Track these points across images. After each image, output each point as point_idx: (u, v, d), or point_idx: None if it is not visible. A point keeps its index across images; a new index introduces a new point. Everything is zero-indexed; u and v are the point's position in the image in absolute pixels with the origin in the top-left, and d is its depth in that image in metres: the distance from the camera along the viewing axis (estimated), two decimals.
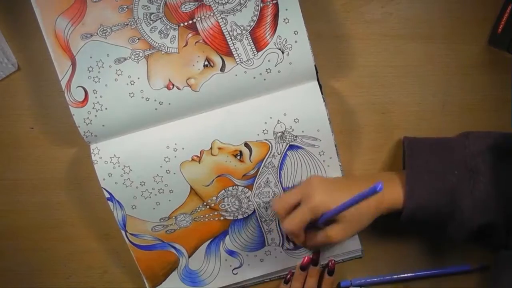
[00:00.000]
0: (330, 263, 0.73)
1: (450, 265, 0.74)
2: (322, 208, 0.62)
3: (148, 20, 0.66)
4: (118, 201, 0.70)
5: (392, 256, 0.75)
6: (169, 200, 0.71)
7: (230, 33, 0.66)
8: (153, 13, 0.66)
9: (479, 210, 0.60)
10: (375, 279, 0.75)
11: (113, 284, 0.79)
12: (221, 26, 0.66)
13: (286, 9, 0.65)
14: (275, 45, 0.66)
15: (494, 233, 0.62)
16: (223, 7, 0.65)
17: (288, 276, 0.74)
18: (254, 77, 0.66)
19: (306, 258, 0.72)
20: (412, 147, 0.66)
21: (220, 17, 0.65)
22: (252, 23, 0.65)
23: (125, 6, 0.66)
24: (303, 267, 0.72)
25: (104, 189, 0.70)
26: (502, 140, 0.62)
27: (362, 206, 0.60)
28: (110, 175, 0.69)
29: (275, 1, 0.65)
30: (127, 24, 0.66)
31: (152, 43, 0.66)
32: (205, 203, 0.71)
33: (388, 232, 0.74)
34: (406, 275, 0.75)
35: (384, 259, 0.75)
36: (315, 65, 0.66)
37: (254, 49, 0.66)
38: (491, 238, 0.63)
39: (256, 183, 0.70)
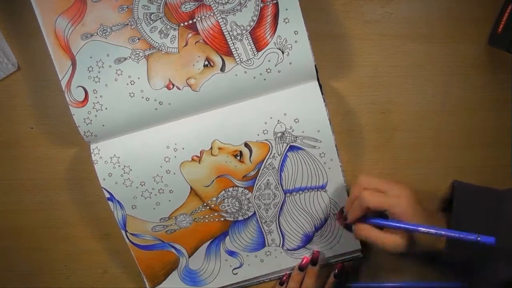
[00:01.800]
0: (337, 266, 0.73)
1: (451, 277, 0.75)
2: (401, 213, 0.61)
3: (148, 20, 0.66)
4: (118, 201, 0.70)
5: (392, 258, 0.75)
6: (169, 200, 0.71)
7: (230, 33, 0.66)
8: (153, 13, 0.66)
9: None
10: (375, 285, 0.75)
11: (113, 284, 0.79)
12: (221, 26, 0.66)
13: (286, 9, 0.65)
14: (275, 45, 0.66)
15: None
16: (223, 7, 0.65)
17: (284, 278, 0.74)
18: (254, 77, 0.66)
19: (305, 258, 0.72)
20: (462, 193, 0.65)
21: (220, 17, 0.65)
22: (252, 23, 0.65)
23: (125, 6, 0.66)
24: (301, 268, 0.72)
25: (104, 189, 0.70)
26: None
27: (431, 238, 0.61)
28: (110, 175, 0.69)
29: (275, 1, 0.65)
30: (127, 24, 0.66)
31: (152, 43, 0.66)
32: (205, 204, 0.71)
33: None
34: (406, 283, 0.75)
35: (384, 260, 0.75)
36: (315, 65, 0.66)
37: (254, 49, 0.66)
38: None
39: (257, 184, 0.70)
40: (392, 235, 0.63)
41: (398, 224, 0.61)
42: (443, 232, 0.58)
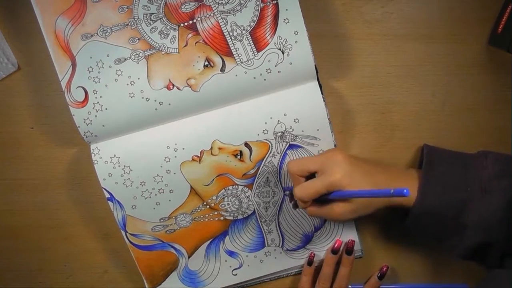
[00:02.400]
0: (384, 267, 0.74)
1: (450, 281, 0.75)
2: (339, 187, 0.61)
3: (148, 20, 0.66)
4: (118, 201, 0.70)
5: (393, 260, 0.75)
6: (169, 200, 0.71)
7: (230, 33, 0.66)
8: (153, 13, 0.66)
9: (483, 229, 0.60)
10: None
11: (113, 284, 0.79)
12: (221, 26, 0.66)
13: (286, 9, 0.65)
14: (275, 45, 0.66)
15: (490, 253, 0.62)
16: (223, 7, 0.65)
17: (311, 257, 0.73)
18: (254, 77, 0.66)
19: (338, 241, 0.72)
20: (431, 155, 0.65)
21: (220, 17, 0.65)
22: (252, 23, 0.65)
23: (125, 7, 0.66)
24: (334, 251, 0.72)
25: (104, 189, 0.70)
26: None
27: (383, 200, 0.62)
28: (110, 175, 0.69)
29: (275, 2, 0.65)
30: (127, 25, 0.66)
31: (152, 43, 0.66)
32: (205, 203, 0.71)
33: (390, 234, 0.75)
34: (405, 285, 0.75)
35: (384, 260, 0.75)
36: (315, 65, 0.66)
37: (254, 49, 0.66)
38: (485, 257, 0.62)
39: (256, 182, 0.70)
40: (337, 206, 0.63)
41: (333, 195, 0.62)
42: (366, 193, 0.59)
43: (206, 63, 0.66)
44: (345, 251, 0.72)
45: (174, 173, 0.69)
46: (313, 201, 0.65)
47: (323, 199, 0.64)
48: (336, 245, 0.72)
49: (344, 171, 0.61)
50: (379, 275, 0.73)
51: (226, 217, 0.72)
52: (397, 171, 0.66)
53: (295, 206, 0.71)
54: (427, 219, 0.62)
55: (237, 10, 0.65)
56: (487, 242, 0.60)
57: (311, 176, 0.65)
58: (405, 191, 0.51)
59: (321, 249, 0.73)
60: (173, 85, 0.67)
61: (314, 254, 0.73)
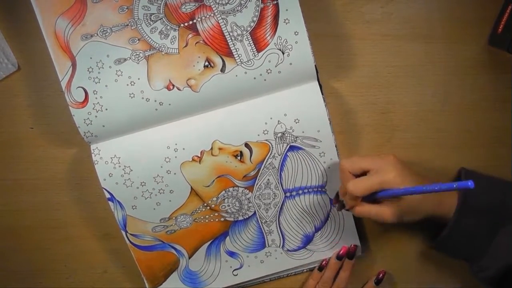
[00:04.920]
0: (380, 273, 0.74)
1: (449, 281, 0.75)
2: (392, 186, 0.61)
3: (148, 21, 0.66)
4: (118, 201, 0.70)
5: (392, 261, 0.76)
6: (170, 201, 0.71)
7: (231, 33, 0.66)
8: (153, 13, 0.66)
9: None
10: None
11: (113, 284, 0.79)
12: (222, 27, 0.66)
13: (287, 10, 0.65)
14: (276, 46, 0.65)
15: None
16: (224, 8, 0.65)
17: (324, 263, 0.74)
18: (255, 78, 0.66)
19: (344, 248, 0.73)
20: (469, 176, 0.67)
21: (220, 18, 0.65)
22: (252, 24, 0.65)
23: (125, 7, 0.66)
24: (339, 257, 0.72)
25: (105, 189, 0.70)
26: None
27: (428, 198, 0.62)
28: (110, 175, 0.69)
29: (275, 2, 0.64)
30: (127, 25, 0.66)
31: (153, 43, 0.66)
32: (205, 204, 0.71)
33: (391, 234, 0.75)
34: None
35: (385, 260, 0.75)
36: (315, 65, 0.66)
37: (255, 49, 0.66)
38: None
39: (257, 184, 0.70)
40: (387, 208, 0.63)
41: (390, 192, 0.62)
42: (425, 189, 0.58)
43: (206, 63, 0.66)
44: (347, 256, 0.73)
45: (175, 174, 0.69)
46: (361, 201, 0.65)
47: (371, 200, 0.64)
48: (341, 252, 0.72)
49: (398, 170, 0.62)
50: (375, 281, 0.74)
51: (227, 218, 0.72)
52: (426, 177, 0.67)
53: (341, 207, 0.70)
54: (462, 235, 0.63)
55: (237, 11, 0.65)
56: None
57: (361, 175, 0.65)
58: (469, 183, 0.51)
59: (321, 250, 0.73)
60: (173, 86, 0.67)
61: (327, 262, 0.74)
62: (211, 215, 0.72)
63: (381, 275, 0.74)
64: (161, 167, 0.69)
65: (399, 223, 0.64)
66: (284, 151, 0.69)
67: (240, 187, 0.70)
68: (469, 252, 0.65)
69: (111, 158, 0.69)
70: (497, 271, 0.62)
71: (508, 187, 0.65)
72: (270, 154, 0.69)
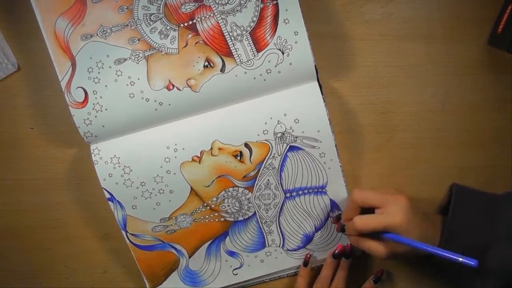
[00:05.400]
0: (379, 272, 0.74)
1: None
2: (397, 231, 0.62)
3: (148, 21, 0.66)
4: (118, 201, 0.70)
5: (392, 261, 0.76)
6: (170, 201, 0.71)
7: (230, 33, 0.66)
8: (153, 13, 0.66)
9: (506, 275, 0.61)
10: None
11: (113, 284, 0.79)
12: (221, 27, 0.66)
13: (286, 10, 0.65)
14: (275, 46, 0.65)
15: None
16: (223, 8, 0.65)
17: (307, 257, 0.73)
18: (254, 78, 0.66)
19: (340, 246, 0.72)
20: (459, 197, 0.66)
21: (220, 18, 0.65)
22: (252, 24, 0.65)
23: (125, 7, 0.66)
24: (336, 256, 0.72)
25: (105, 189, 0.70)
26: None
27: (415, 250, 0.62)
28: (110, 175, 0.69)
29: (275, 2, 0.64)
30: (127, 25, 0.66)
31: (152, 43, 0.66)
32: (205, 204, 0.71)
33: None
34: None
35: (384, 261, 0.75)
36: (315, 66, 0.66)
37: (254, 49, 0.66)
38: None
39: (257, 185, 0.70)
40: (382, 246, 0.64)
41: (390, 236, 0.63)
42: (430, 250, 0.59)
43: (206, 63, 0.66)
44: (343, 254, 0.73)
45: (174, 174, 0.69)
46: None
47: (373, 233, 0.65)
48: (337, 250, 0.72)
49: (406, 217, 0.62)
50: (374, 279, 0.74)
51: (227, 218, 0.72)
52: (432, 217, 0.67)
53: (341, 229, 0.69)
54: (449, 266, 0.62)
55: (237, 11, 0.65)
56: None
57: (368, 209, 0.66)
58: (473, 262, 0.52)
59: (321, 250, 0.73)
60: (173, 86, 0.67)
61: (310, 255, 0.73)
62: (211, 215, 0.72)
63: (379, 273, 0.74)
64: (161, 167, 0.69)
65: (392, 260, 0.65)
66: (284, 151, 0.69)
67: (240, 187, 0.70)
68: (460, 275, 0.65)
69: (111, 158, 0.69)
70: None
71: (498, 204, 0.64)
72: (270, 154, 0.69)
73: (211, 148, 0.69)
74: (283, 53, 0.66)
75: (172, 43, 0.66)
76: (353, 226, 0.64)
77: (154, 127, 0.69)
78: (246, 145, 0.69)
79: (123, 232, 0.72)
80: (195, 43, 0.66)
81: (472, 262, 0.53)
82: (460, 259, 0.54)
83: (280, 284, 0.77)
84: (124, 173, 0.69)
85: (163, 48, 0.66)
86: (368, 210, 0.66)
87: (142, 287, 0.75)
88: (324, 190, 0.71)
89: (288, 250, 0.73)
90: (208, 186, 0.70)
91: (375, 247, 0.64)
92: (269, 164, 0.69)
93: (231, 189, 0.70)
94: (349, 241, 0.70)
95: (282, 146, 0.69)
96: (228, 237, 0.73)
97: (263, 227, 0.72)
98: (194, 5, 0.66)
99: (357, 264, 0.74)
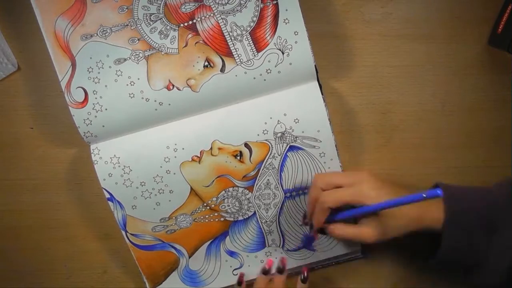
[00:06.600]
0: (304, 271, 0.71)
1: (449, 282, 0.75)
2: (366, 198, 0.60)
3: (148, 21, 0.66)
4: (118, 201, 0.70)
5: (393, 261, 0.75)
6: (169, 201, 0.71)
7: (230, 33, 0.66)
8: (153, 13, 0.66)
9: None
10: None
11: (113, 284, 0.79)
12: (221, 27, 0.66)
13: (286, 10, 0.65)
14: (275, 46, 0.65)
15: None
16: (223, 8, 0.65)
17: (241, 277, 0.72)
18: (254, 78, 0.66)
19: (270, 261, 0.72)
20: (450, 192, 0.62)
21: (220, 18, 0.65)
22: (252, 24, 0.65)
23: (125, 7, 0.66)
24: (265, 271, 0.71)
25: (105, 189, 0.70)
26: None
27: (405, 212, 0.59)
28: (110, 175, 0.69)
29: (275, 2, 0.64)
30: (127, 25, 0.66)
31: (152, 43, 0.66)
32: (205, 204, 0.71)
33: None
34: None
35: (384, 261, 0.75)
36: (315, 65, 0.66)
37: (254, 49, 0.66)
38: None
39: (257, 184, 0.70)
40: (366, 227, 0.62)
41: (361, 210, 0.61)
42: (393, 202, 0.57)
43: (206, 63, 0.66)
44: (277, 270, 0.72)
45: (174, 174, 0.69)
46: (338, 224, 0.64)
47: (349, 219, 0.63)
48: (267, 266, 0.71)
49: (372, 184, 0.60)
50: (302, 279, 0.71)
51: (227, 218, 0.72)
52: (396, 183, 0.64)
53: (311, 227, 0.67)
54: (460, 235, 0.59)
55: (237, 11, 0.65)
56: None
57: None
58: (438, 191, 0.50)
59: (321, 250, 0.73)
60: (173, 86, 0.67)
61: (243, 274, 0.73)
62: (211, 215, 0.72)
63: (305, 272, 0.71)
64: (161, 167, 0.69)
65: (384, 241, 0.62)
66: (284, 151, 0.69)
67: (240, 187, 0.70)
68: (468, 263, 0.62)
69: (110, 158, 0.69)
70: (502, 274, 0.60)
71: (487, 192, 0.62)
72: (270, 154, 0.69)
73: (211, 148, 0.69)
74: (283, 53, 0.66)
75: (172, 43, 0.66)
76: (319, 204, 0.62)
77: (154, 127, 0.69)
78: (246, 145, 0.69)
79: (123, 232, 0.72)
80: (195, 43, 0.66)
81: (438, 191, 0.51)
82: (424, 195, 0.53)
83: None
84: (124, 173, 0.69)
85: (163, 48, 0.66)
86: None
87: (142, 287, 0.75)
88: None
89: (288, 250, 0.73)
90: (208, 186, 0.70)
91: (360, 231, 0.62)
92: (269, 164, 0.69)
93: (231, 189, 0.70)
94: (332, 237, 0.67)
95: (282, 146, 0.69)
96: (228, 237, 0.73)
97: (263, 227, 0.72)
98: (194, 5, 0.66)
99: (357, 264, 0.74)
